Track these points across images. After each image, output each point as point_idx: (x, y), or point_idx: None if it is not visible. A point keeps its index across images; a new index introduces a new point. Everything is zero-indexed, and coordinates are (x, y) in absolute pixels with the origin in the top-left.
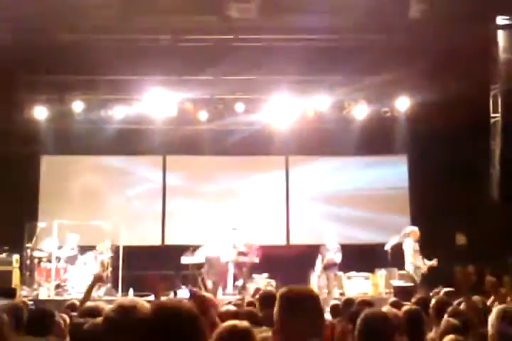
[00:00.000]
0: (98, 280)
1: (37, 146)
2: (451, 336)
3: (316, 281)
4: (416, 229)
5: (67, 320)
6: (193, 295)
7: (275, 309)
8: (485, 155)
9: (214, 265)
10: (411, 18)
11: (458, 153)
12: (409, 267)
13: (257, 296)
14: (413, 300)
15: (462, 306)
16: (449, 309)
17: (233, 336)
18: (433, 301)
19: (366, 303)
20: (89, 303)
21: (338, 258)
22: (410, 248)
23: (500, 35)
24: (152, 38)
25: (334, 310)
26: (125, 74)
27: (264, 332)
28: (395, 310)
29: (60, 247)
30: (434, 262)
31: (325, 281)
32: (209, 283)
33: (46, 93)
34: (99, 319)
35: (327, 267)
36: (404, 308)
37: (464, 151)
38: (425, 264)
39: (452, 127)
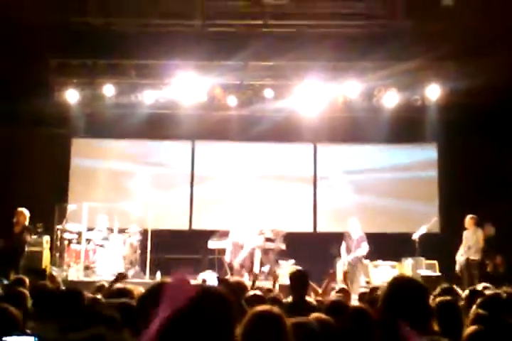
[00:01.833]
0: (122, 278)
1: (68, 129)
2: (474, 326)
3: (342, 269)
4: (468, 216)
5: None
6: (221, 281)
7: (383, 292)
8: None
9: (239, 250)
10: (443, 5)
11: (488, 142)
12: None
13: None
14: (437, 289)
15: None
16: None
17: (266, 321)
18: (466, 291)
19: None
20: (118, 285)
21: (364, 249)
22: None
23: None
24: (183, 22)
25: (362, 297)
26: (155, 59)
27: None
28: None
29: (89, 229)
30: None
31: (352, 270)
32: (236, 267)
33: (78, 77)
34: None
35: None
36: (438, 299)
37: (494, 140)
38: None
39: (483, 115)
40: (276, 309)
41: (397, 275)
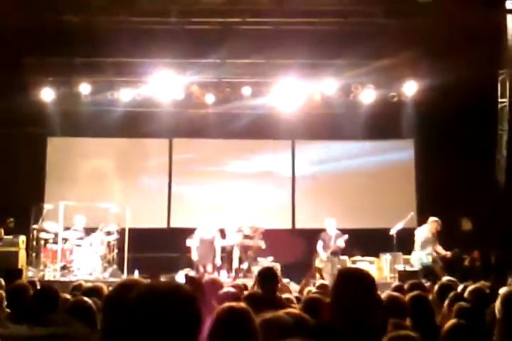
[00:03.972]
0: None
1: (43, 128)
2: (454, 320)
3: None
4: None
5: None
6: (188, 279)
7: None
8: (492, 141)
9: (208, 247)
10: (419, 2)
11: (464, 138)
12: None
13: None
14: (406, 285)
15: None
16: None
17: (231, 318)
18: (436, 286)
19: None
20: (89, 284)
21: (342, 244)
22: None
23: (509, 19)
24: (159, 20)
25: None
26: (132, 57)
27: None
28: (397, 294)
29: (66, 228)
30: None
31: (329, 266)
32: (209, 266)
33: (53, 75)
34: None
35: (334, 253)
36: (410, 294)
37: (471, 136)
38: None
39: (459, 112)
40: (242, 305)
41: (344, 267)
